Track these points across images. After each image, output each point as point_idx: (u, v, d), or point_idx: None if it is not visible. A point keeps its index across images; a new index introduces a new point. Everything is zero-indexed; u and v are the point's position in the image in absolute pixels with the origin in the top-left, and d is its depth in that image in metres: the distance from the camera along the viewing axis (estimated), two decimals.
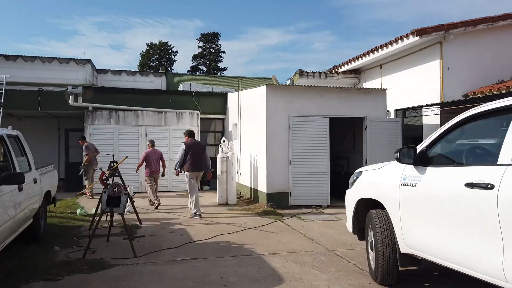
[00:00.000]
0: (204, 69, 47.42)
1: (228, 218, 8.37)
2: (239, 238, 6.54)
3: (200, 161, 8.49)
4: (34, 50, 68.77)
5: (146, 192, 10.08)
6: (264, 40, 72.97)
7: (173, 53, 48.28)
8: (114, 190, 5.67)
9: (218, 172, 10.25)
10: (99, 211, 6.15)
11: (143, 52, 46.17)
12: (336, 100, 10.10)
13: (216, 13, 71.80)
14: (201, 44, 49.02)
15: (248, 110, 11.38)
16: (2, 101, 11.88)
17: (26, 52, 57.66)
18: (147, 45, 46.69)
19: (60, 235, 6.56)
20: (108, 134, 12.28)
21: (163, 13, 71.58)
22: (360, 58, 13.59)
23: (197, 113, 13.25)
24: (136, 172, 10.29)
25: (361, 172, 4.86)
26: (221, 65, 48.25)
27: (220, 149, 10.49)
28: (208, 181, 13.41)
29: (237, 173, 11.36)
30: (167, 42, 47.79)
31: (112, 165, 7.61)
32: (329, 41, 74.27)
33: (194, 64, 48.04)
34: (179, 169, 8.49)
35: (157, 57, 46.18)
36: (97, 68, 17.80)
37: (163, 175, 9.82)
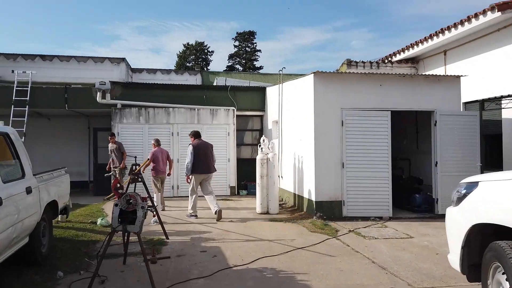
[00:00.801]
0: (239, 68, 46.41)
1: (270, 232, 6.97)
2: (287, 264, 5.11)
3: (209, 162, 8.12)
4: (78, 55, 71.03)
5: (179, 197, 8.91)
6: (299, 39, 71.08)
7: (209, 53, 47.75)
8: (129, 202, 4.42)
9: (258, 176, 8.87)
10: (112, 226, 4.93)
11: (180, 52, 45.95)
12: (398, 90, 8.42)
13: (251, 14, 71.06)
14: (236, 43, 48.17)
15: (291, 105, 9.94)
16: (28, 98, 11.16)
17: None
18: (184, 45, 46.46)
19: (69, 255, 5.41)
20: (137, 133, 11.25)
21: (200, 16, 72.16)
22: (419, 44, 11.75)
23: (233, 110, 11.97)
24: (143, 172, 9.41)
25: (475, 183, 3.28)
26: (257, 64, 47.10)
27: (259, 149, 9.11)
28: (246, 184, 12.10)
29: (279, 176, 9.94)
30: (203, 42, 47.33)
31: (134, 168, 6.43)
32: (367, 39, 71.09)
33: (230, 64, 47.18)
34: (188, 174, 8.06)
35: (193, 57, 45.78)
36: (132, 67, 17.04)
37: (169, 174, 9.12)
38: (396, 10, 70.36)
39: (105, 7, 71.28)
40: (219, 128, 11.76)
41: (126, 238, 5.02)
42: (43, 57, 15.14)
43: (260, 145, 9.07)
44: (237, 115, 12.14)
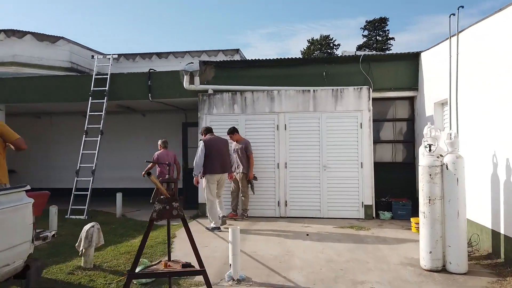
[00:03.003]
0: None
1: None
2: None
3: (225, 161, 6.94)
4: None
5: (288, 217, 5.48)
6: (437, 28, 61.31)
7: (334, 47, 43.64)
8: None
9: (422, 197, 4.68)
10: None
11: (304, 49, 43.10)
12: None
13: (379, 8, 64.59)
14: (366, 33, 43.11)
15: (485, 69, 5.45)
16: (107, 88, 9.12)
17: None
18: (308, 41, 43.51)
19: None
20: (230, 126, 8.13)
21: (326, 15, 69.79)
22: None
23: (368, 90, 7.90)
24: (144, 175, 7.75)
25: None
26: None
27: (423, 149, 4.87)
28: (389, 203, 7.90)
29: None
30: (329, 35, 43.50)
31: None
32: None
33: None
34: (197, 174, 6.82)
35: (318, 52, 42.28)
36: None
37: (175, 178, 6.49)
38: None
39: (237, 18, 76.36)
40: (346, 117, 7.84)
41: None
42: (159, 54, 13.89)
43: (426, 142, 4.81)
44: (373, 98, 8.04)
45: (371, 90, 7.93)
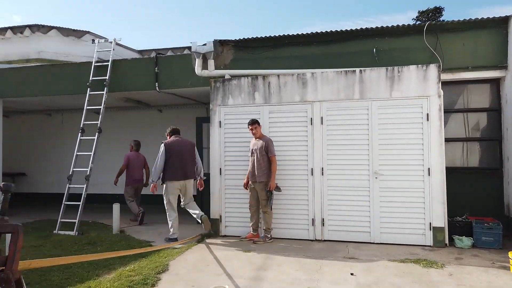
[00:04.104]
0: None
1: None
2: None
3: (187, 166, 6.09)
4: None
5: (325, 241, 3.61)
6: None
7: None
8: None
9: None
10: None
11: None
12: None
13: (431, 1, 60.23)
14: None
15: None
16: (108, 78, 7.64)
17: None
18: None
19: None
20: (248, 119, 6.27)
21: (373, 11, 66.29)
22: None
23: (436, 68, 5.72)
24: (115, 183, 7.88)
25: None
26: None
27: None
28: (468, 224, 5.70)
29: None
30: None
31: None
32: None
33: None
34: (155, 180, 6.09)
35: None
36: None
37: (146, 185, 7.74)
38: None
39: (283, 17, 73.00)
40: (406, 106, 5.74)
41: None
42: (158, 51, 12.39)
43: None
44: (442, 82, 5.87)
45: (440, 68, 5.76)
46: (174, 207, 6.11)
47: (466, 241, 5.51)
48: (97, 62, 7.89)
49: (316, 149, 6.00)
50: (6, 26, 15.47)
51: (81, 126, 7.59)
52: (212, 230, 6.41)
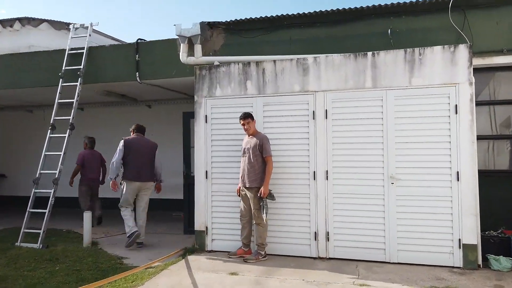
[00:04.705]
0: None
1: None
2: None
3: (143, 167, 5.78)
4: None
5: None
6: None
7: None
8: None
9: None
10: None
11: None
12: None
13: None
14: None
15: None
16: (82, 66, 6.70)
17: None
18: None
19: None
20: (239, 114, 5.27)
21: None
22: None
23: (467, 49, 4.68)
24: (71, 184, 7.25)
25: None
26: None
27: None
28: (506, 241, 4.65)
29: None
30: None
31: None
32: None
33: None
34: (112, 178, 5.69)
35: None
36: None
37: (102, 182, 7.42)
38: None
39: None
40: (430, 96, 4.71)
41: None
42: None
43: None
44: (474, 68, 4.81)
45: (469, 49, 4.72)
46: (130, 203, 5.78)
47: (505, 262, 4.48)
48: (71, 49, 6.95)
49: (319, 149, 4.99)
50: None
51: (51, 122, 6.66)
52: (196, 244, 5.44)
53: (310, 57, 5.20)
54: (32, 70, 7.24)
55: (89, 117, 9.61)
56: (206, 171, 5.47)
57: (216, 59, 5.97)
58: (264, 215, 4.81)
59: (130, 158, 5.75)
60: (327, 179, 4.97)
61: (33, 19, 12.98)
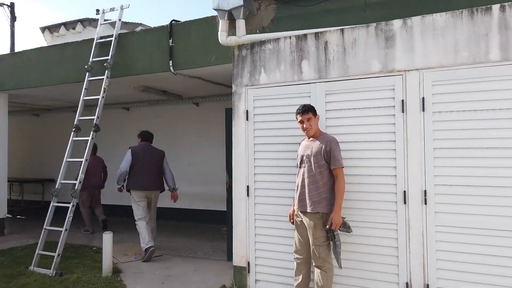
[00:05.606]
0: None
1: None
2: None
3: (151, 176, 5.60)
4: None
5: None
6: None
7: None
8: None
9: None
10: None
11: None
12: None
13: None
14: None
15: None
16: (110, 57, 5.65)
17: None
18: None
19: None
20: (290, 107, 3.69)
21: None
22: None
23: None
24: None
25: None
26: None
27: None
28: None
29: None
30: None
31: None
32: None
33: None
34: (120, 185, 5.70)
35: None
36: None
37: (102, 186, 7.27)
38: None
39: None
40: None
41: None
42: None
43: None
44: None
45: None
46: (142, 214, 5.52)
47: None
48: (100, 38, 5.97)
49: (411, 158, 3.28)
50: (56, 23, 14.91)
51: (75, 123, 5.72)
52: (235, 284, 4.03)
53: (397, 21, 3.50)
54: (61, 64, 6.39)
55: (136, 117, 8.78)
56: (248, 186, 4.03)
57: (264, 37, 4.49)
58: (337, 254, 3.25)
59: (138, 167, 5.57)
60: (425, 203, 3.24)
61: (94, 19, 12.81)
